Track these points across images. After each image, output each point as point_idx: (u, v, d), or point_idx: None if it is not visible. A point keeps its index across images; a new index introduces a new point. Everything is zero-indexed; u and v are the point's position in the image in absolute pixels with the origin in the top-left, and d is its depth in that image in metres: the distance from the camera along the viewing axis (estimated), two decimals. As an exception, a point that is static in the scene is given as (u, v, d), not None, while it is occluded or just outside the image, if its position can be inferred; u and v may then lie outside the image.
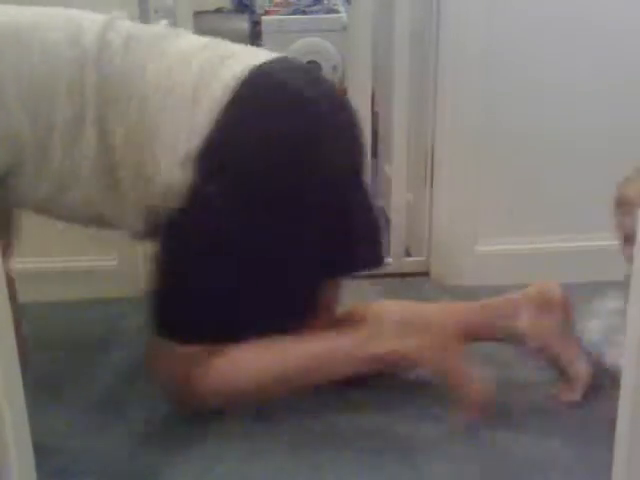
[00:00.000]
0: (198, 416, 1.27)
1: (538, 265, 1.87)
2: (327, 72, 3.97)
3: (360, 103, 2.05)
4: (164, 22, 3.34)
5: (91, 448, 1.20)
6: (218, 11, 4.14)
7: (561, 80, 1.78)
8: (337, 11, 4.00)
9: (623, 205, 1.25)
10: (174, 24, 3.20)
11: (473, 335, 1.29)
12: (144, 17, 1.81)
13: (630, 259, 1.23)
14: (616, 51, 1.75)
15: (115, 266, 1.83)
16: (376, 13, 1.97)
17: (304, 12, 4.02)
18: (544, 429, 1.21)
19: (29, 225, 1.79)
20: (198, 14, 3.44)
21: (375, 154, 2.37)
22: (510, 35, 1.74)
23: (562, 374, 1.31)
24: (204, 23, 3.78)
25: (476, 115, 1.77)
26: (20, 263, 1.68)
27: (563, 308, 1.32)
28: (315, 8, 4.03)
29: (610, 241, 1.84)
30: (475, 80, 1.75)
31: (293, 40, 3.92)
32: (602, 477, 0.86)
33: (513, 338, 1.31)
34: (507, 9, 1.73)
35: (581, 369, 1.31)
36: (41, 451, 0.89)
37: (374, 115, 2.06)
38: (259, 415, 1.28)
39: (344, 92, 2.53)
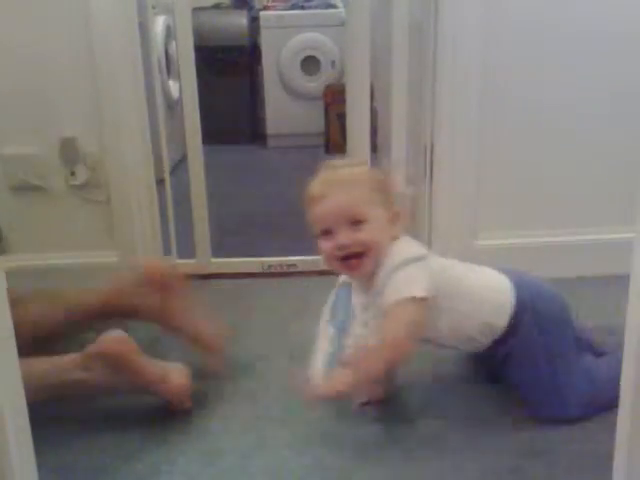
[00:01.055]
0: (198, 412, 1.28)
1: (538, 259, 1.87)
2: (325, 67, 3.98)
3: (359, 98, 2.06)
4: (162, 18, 3.36)
5: (92, 444, 1.20)
6: (216, 7, 4.13)
7: (561, 73, 1.77)
8: (335, 6, 4.00)
9: (309, 203, 1.19)
10: (172, 20, 3.20)
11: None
12: (142, 13, 1.81)
13: (325, 258, 1.20)
14: (616, 44, 1.75)
15: (115, 262, 1.84)
16: (374, 8, 1.97)
17: (302, 7, 4.01)
18: (545, 423, 1.21)
19: (29, 221, 1.80)
20: (197, 10, 3.44)
21: (374, 149, 2.37)
22: (508, 29, 1.74)
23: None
24: (203, 19, 3.79)
25: (475, 109, 1.77)
26: (21, 260, 1.69)
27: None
28: (313, 3, 4.02)
29: (612, 234, 1.86)
30: (474, 74, 1.75)
31: (291, 35, 3.92)
32: (604, 471, 0.86)
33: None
34: (504, 2, 1.73)
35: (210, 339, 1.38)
36: (42, 448, 0.89)
37: (373, 112, 2.06)
38: (260, 411, 1.28)
39: (343, 87, 2.53)
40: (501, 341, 1.20)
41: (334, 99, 3.70)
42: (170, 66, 3.39)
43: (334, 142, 3.74)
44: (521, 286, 1.21)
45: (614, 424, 0.80)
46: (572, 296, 1.75)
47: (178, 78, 3.25)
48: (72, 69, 1.71)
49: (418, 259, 1.15)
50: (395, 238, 1.18)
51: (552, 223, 1.88)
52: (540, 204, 1.87)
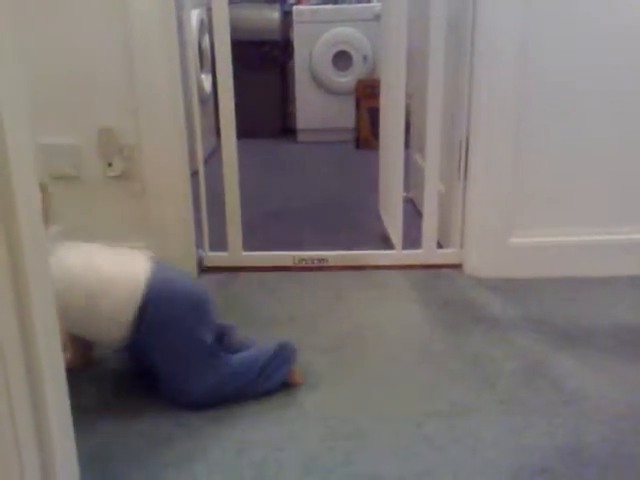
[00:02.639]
0: (231, 403, 1.28)
1: (573, 257, 1.85)
2: (357, 62, 3.96)
3: (394, 93, 2.05)
4: (196, 12, 3.37)
5: (126, 432, 1.22)
6: (249, 1, 4.13)
7: (602, 71, 1.75)
8: (369, 0, 3.98)
9: None
10: (205, 14, 3.21)
11: None
12: (179, 6, 1.82)
13: None
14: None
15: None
16: (410, 2, 1.95)
17: (336, 1, 4.01)
18: (579, 424, 1.20)
19: (65, 211, 1.82)
20: (229, 4, 3.43)
21: (406, 144, 2.35)
22: (547, 26, 1.71)
23: None
24: (235, 13, 3.79)
25: (513, 105, 1.75)
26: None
27: None
28: (347, -3, 4.01)
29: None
30: (511, 71, 1.73)
31: (324, 30, 3.92)
32: (638, 474, 0.85)
33: None
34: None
35: None
36: (77, 433, 0.90)
37: (406, 107, 2.04)
38: (291, 404, 1.29)
39: (376, 82, 2.52)
40: (136, 336, 1.25)
41: (365, 93, 3.69)
42: (203, 60, 3.40)
43: (364, 137, 3.73)
44: (154, 287, 1.24)
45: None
46: (604, 294, 1.74)
47: (210, 72, 3.27)
48: (110, 61, 1.73)
49: None
50: None
51: (588, 222, 1.85)
52: (576, 202, 1.84)
